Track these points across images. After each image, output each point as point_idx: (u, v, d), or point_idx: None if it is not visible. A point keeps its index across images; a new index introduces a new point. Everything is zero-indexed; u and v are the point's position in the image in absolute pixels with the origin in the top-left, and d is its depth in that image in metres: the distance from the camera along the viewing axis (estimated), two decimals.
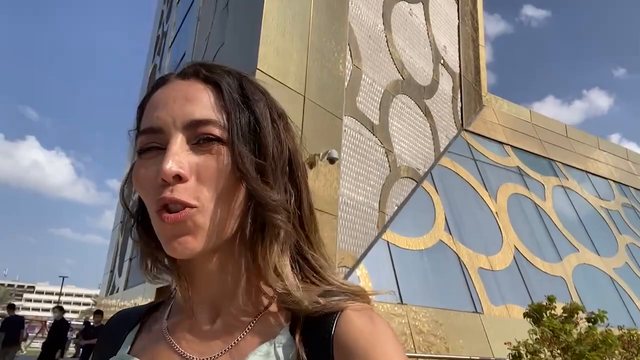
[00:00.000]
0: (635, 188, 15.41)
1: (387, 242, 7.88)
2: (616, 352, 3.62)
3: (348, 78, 8.55)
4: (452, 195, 9.80)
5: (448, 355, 6.64)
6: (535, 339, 3.77)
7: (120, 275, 14.57)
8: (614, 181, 14.77)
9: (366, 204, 8.09)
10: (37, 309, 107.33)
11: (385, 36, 9.91)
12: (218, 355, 0.57)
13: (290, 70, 7.27)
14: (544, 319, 3.84)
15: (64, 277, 49.03)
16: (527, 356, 3.77)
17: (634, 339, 3.87)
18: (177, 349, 0.59)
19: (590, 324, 3.80)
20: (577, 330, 3.79)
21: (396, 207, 8.74)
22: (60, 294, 60.42)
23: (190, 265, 0.60)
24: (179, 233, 0.53)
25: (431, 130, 10.60)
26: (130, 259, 13.59)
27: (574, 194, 12.71)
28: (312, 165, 6.72)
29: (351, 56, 8.77)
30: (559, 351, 3.68)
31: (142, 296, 11.05)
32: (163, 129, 0.55)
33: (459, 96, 11.86)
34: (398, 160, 9.19)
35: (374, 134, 8.75)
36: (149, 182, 0.55)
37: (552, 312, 3.91)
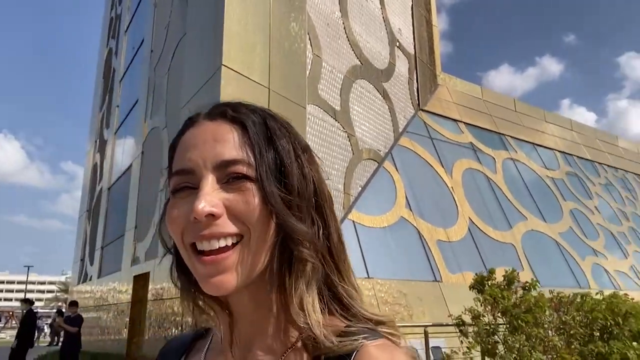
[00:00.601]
0: (578, 157, 16.60)
1: (353, 221, 8.45)
2: (547, 312, 4.34)
3: (309, 67, 8.90)
4: (411, 173, 10.45)
5: (411, 322, 7.34)
6: (479, 306, 4.47)
7: (92, 263, 14.64)
8: (559, 151, 15.87)
9: (332, 187, 8.58)
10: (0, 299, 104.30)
11: (343, 23, 10.25)
12: None
13: (255, 64, 7.52)
14: (486, 288, 4.53)
15: (29, 267, 47.80)
16: (473, 321, 4.47)
17: (563, 300, 4.60)
18: None
19: (525, 290, 4.49)
20: (515, 296, 4.48)
21: (360, 188, 9.31)
22: (25, 283, 58.83)
23: (226, 302, 0.63)
24: (215, 272, 0.56)
25: (390, 112, 11.15)
26: (102, 248, 13.71)
27: (523, 165, 13.66)
28: None
29: (311, 45, 9.09)
30: (499, 314, 4.38)
31: (118, 282, 11.31)
32: (194, 170, 0.58)
33: (415, 77, 12.40)
34: (360, 143, 9.71)
35: (336, 120, 9.20)
36: (182, 221, 0.57)
37: (493, 282, 4.59)
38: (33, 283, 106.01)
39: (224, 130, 0.60)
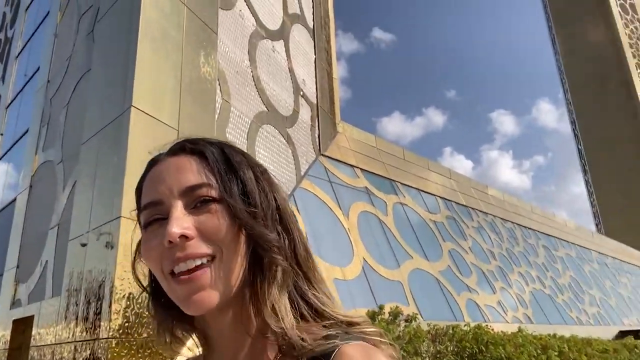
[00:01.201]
0: (456, 202, 18.70)
1: None
2: (424, 343, 5.05)
3: (218, 111, 9.26)
4: (312, 214, 11.09)
5: None
6: None
7: None
8: (440, 197, 17.78)
9: None
10: None
11: (251, 72, 10.84)
12: None
13: (165, 106, 7.69)
14: (375, 323, 5.14)
15: None
16: None
17: (438, 332, 5.37)
18: None
19: (407, 323, 5.18)
20: (399, 329, 5.14)
21: None
22: None
23: (205, 324, 0.64)
24: (194, 289, 0.57)
25: (293, 156, 11.81)
26: None
27: (409, 209, 15.11)
28: None
29: (221, 91, 9.50)
30: None
31: None
32: (163, 200, 0.60)
33: (317, 124, 13.32)
34: None
35: None
36: (156, 251, 0.59)
37: (382, 317, 5.23)
38: None
39: (185, 161, 0.64)
